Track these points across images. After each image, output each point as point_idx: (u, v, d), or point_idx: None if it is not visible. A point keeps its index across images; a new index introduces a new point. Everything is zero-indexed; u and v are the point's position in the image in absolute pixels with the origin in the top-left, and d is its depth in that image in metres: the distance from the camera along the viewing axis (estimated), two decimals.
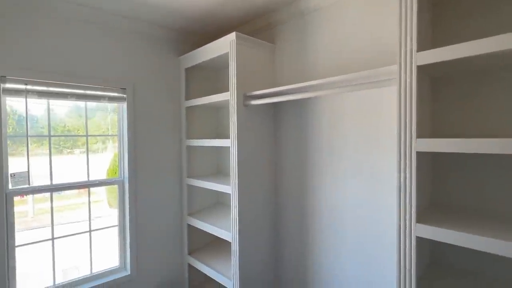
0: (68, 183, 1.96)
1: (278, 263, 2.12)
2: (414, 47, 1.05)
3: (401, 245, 1.09)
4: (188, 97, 2.37)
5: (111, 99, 2.05)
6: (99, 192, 2.41)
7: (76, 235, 2.02)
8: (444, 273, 1.25)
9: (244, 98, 1.88)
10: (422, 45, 1.10)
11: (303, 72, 1.91)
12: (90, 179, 2.04)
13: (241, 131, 1.87)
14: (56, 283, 1.90)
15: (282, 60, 2.05)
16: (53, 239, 1.90)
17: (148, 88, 2.24)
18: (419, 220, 1.06)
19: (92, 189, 2.08)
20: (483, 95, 1.17)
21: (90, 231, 2.05)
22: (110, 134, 2.31)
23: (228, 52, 1.89)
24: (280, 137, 2.07)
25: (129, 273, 2.13)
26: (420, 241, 1.09)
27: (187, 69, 2.37)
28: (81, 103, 2.03)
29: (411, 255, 1.07)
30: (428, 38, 1.25)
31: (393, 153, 1.44)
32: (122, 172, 2.18)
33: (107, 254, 2.20)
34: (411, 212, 1.06)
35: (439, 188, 1.31)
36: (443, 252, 1.31)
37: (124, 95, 2.10)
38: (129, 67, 2.14)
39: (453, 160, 1.26)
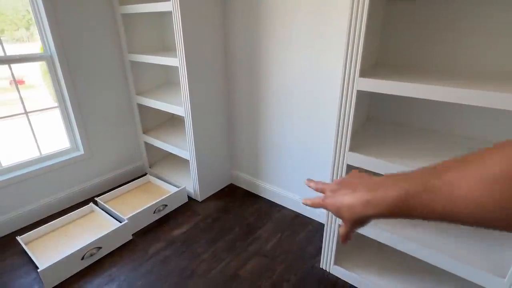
0: None
1: (231, 134, 2.24)
2: None
3: (343, 99, 1.15)
4: None
5: None
6: (38, 85, 2.10)
7: (13, 118, 1.85)
8: (376, 123, 1.41)
9: None
10: None
11: None
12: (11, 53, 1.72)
13: None
14: (2, 166, 1.84)
15: None
16: None
17: None
18: (362, 75, 1.09)
19: (27, 82, 1.79)
20: None
21: (26, 112, 1.87)
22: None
23: None
24: (229, 7, 1.84)
25: (83, 152, 2.12)
26: (360, 94, 1.15)
27: None
28: None
29: (350, 107, 1.15)
30: None
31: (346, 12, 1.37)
32: (46, 45, 1.86)
33: (57, 138, 2.10)
34: (356, 67, 1.08)
35: (386, 47, 1.33)
36: (378, 108, 1.44)
37: None
38: None
39: (406, 13, 1.23)
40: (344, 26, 1.43)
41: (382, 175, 0.42)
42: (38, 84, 2.12)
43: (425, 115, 1.34)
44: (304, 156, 1.86)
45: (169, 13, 1.73)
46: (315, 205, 0.51)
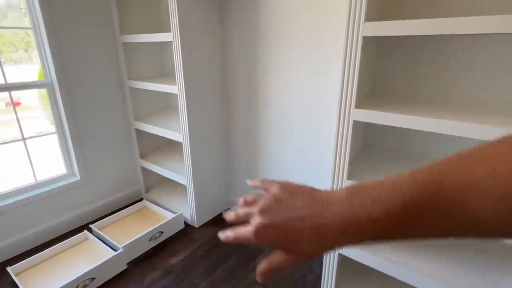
0: None
1: (229, 158, 2.25)
2: None
3: (340, 128, 1.19)
4: None
5: None
6: (33, 107, 2.12)
7: (9, 145, 1.84)
8: (373, 149, 1.44)
9: None
10: None
11: None
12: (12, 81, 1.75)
13: (183, 22, 1.66)
14: None
15: None
16: None
17: None
18: (358, 106, 1.13)
19: (23, 103, 1.82)
20: None
21: (23, 139, 1.87)
22: (19, 26, 1.88)
23: None
24: (228, 28, 1.91)
25: (79, 178, 2.10)
26: (356, 124, 1.19)
27: None
28: None
29: (347, 136, 1.18)
30: None
31: (341, 39, 1.44)
32: (48, 74, 1.90)
33: (53, 163, 2.09)
34: (351, 98, 1.12)
35: (381, 76, 1.39)
36: (376, 135, 1.48)
37: None
38: None
39: (399, 43, 1.30)
40: (340, 52, 1.49)
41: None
42: (35, 105, 2.13)
43: (420, 141, 1.37)
44: (303, 180, 1.87)
45: (169, 41, 1.78)
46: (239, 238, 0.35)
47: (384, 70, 1.37)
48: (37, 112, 2.13)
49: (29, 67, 1.95)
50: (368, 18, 1.04)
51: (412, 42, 1.27)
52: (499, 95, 1.13)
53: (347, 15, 1.04)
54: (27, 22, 1.79)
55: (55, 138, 2.02)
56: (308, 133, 1.74)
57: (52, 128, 1.99)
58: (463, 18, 0.86)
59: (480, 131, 0.90)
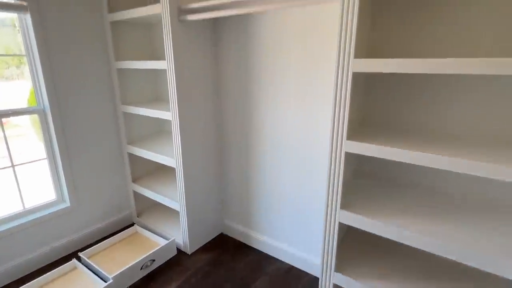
0: None
1: (222, 183, 2.24)
2: None
3: (332, 159, 1.20)
4: (112, 10, 2.00)
5: (4, 6, 1.63)
6: (23, 125, 2.09)
7: None
8: (366, 176, 1.46)
9: (179, 11, 1.65)
10: None
11: None
12: (2, 108, 1.74)
13: (177, 51, 1.70)
14: None
15: None
16: None
17: None
18: (349, 137, 1.15)
19: (14, 122, 1.80)
20: (419, 22, 1.20)
21: (12, 166, 1.84)
22: (13, 54, 1.89)
23: None
24: (222, 57, 1.95)
25: (69, 204, 2.06)
26: (348, 154, 1.20)
27: None
28: None
29: (340, 167, 1.19)
30: None
31: (332, 73, 1.48)
32: (40, 100, 1.89)
33: (43, 189, 2.05)
34: (343, 130, 1.14)
35: (371, 107, 1.42)
36: (368, 162, 1.50)
37: (24, 3, 1.68)
38: None
39: (387, 80, 1.34)
40: (331, 85, 1.53)
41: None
42: (24, 123, 2.09)
43: (412, 171, 1.39)
44: (297, 208, 1.87)
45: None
46: None
47: (373, 102, 1.40)
48: (27, 130, 2.09)
49: (21, 82, 1.90)
50: (357, 55, 1.08)
51: (399, 77, 1.31)
52: (483, 127, 1.17)
53: (337, 53, 1.08)
54: (19, 38, 1.79)
55: (45, 163, 1.99)
56: (301, 162, 1.76)
57: (42, 147, 1.96)
58: (441, 60, 0.90)
59: (467, 166, 0.92)
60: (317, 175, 1.72)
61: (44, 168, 2.00)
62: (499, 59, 0.83)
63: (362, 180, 1.46)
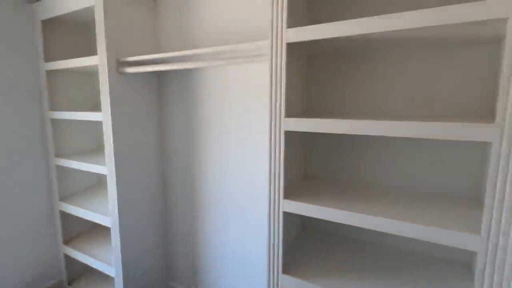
0: None
1: (165, 243, 2.05)
2: (284, 24, 1.01)
3: (271, 219, 1.14)
4: (48, 59, 1.90)
5: None
6: None
7: None
8: (310, 236, 1.40)
9: (118, 64, 1.60)
10: (295, 22, 1.08)
11: (189, 37, 1.72)
12: None
13: (115, 103, 1.61)
14: None
15: (165, 20, 1.80)
16: None
17: None
18: (286, 196, 1.11)
19: None
20: (349, 74, 1.26)
21: None
22: None
23: (93, 6, 1.55)
24: (167, 108, 1.89)
25: None
26: (287, 213, 1.15)
27: (44, 22, 1.87)
28: None
29: (279, 227, 1.13)
30: (305, 16, 1.24)
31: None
32: None
33: None
34: (279, 189, 1.10)
35: (309, 163, 1.41)
36: (312, 219, 1.45)
37: None
38: None
39: (321, 137, 1.36)
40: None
41: None
42: None
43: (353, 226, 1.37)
44: (243, 269, 1.73)
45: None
46: None
47: (315, 155, 1.41)
48: None
49: None
50: (288, 115, 1.08)
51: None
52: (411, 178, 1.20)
53: (268, 112, 1.07)
54: None
55: None
56: (245, 220, 1.68)
57: None
58: (355, 121, 0.92)
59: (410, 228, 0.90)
60: (261, 231, 1.63)
61: None
62: (401, 122, 0.86)
63: (306, 235, 1.40)
